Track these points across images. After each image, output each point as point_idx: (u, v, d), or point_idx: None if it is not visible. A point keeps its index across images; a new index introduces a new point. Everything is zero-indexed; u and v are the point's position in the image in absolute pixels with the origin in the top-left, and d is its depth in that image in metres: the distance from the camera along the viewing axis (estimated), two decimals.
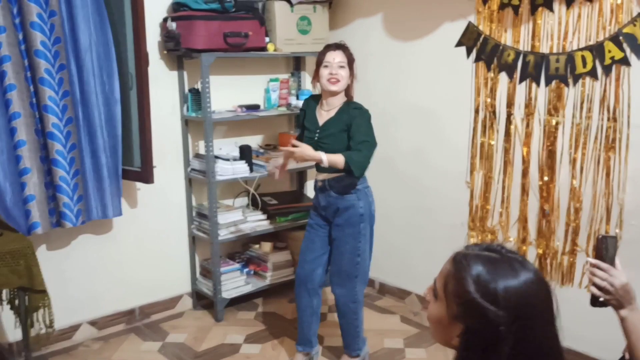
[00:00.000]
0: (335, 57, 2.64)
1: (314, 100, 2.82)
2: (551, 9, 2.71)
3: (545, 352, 1.08)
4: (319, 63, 2.68)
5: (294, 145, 2.57)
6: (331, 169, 2.61)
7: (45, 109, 2.78)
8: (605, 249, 1.41)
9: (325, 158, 2.53)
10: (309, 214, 2.92)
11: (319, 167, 2.72)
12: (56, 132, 2.83)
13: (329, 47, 2.69)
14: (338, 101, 2.70)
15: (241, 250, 3.80)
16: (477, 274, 1.07)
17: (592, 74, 2.62)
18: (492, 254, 1.12)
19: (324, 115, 2.73)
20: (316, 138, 2.70)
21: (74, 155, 2.91)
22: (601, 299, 1.40)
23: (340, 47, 2.69)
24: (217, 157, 3.35)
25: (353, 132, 2.60)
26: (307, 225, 2.89)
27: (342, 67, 2.64)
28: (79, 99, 2.89)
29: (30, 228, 2.80)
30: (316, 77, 2.70)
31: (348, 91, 2.71)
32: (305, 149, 2.56)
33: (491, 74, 3.00)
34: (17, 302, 2.56)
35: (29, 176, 2.77)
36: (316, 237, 2.82)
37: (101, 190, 3.01)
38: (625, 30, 2.49)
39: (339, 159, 2.53)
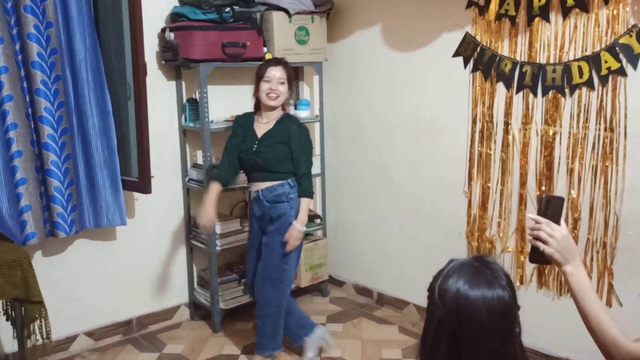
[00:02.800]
0: (276, 73, 2.76)
1: (249, 117, 2.92)
2: (547, 20, 2.73)
3: None
4: (259, 77, 2.78)
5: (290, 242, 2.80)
6: (264, 179, 2.80)
7: (41, 120, 2.80)
8: (546, 208, 1.36)
9: (304, 221, 2.82)
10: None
11: (252, 177, 2.87)
12: (51, 143, 2.85)
13: (270, 62, 2.81)
14: (276, 114, 2.84)
15: (239, 260, 3.79)
16: (450, 270, 1.17)
17: (589, 84, 2.63)
18: (481, 264, 1.18)
19: (262, 127, 2.84)
20: (254, 149, 2.80)
21: (69, 165, 2.92)
22: (542, 250, 1.34)
23: (281, 63, 2.81)
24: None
25: (295, 159, 2.80)
26: (248, 238, 3.02)
27: (282, 83, 2.77)
28: (73, 110, 2.91)
29: (25, 239, 2.80)
30: (256, 91, 2.81)
31: (285, 105, 2.85)
32: (298, 237, 2.80)
33: (488, 84, 3.01)
34: (13, 313, 2.55)
35: (25, 187, 2.78)
36: (251, 248, 2.98)
37: (94, 200, 3.03)
38: (621, 41, 2.51)
39: (306, 204, 2.83)
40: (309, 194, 2.86)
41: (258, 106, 2.91)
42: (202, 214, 2.84)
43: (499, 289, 1.14)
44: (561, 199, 1.39)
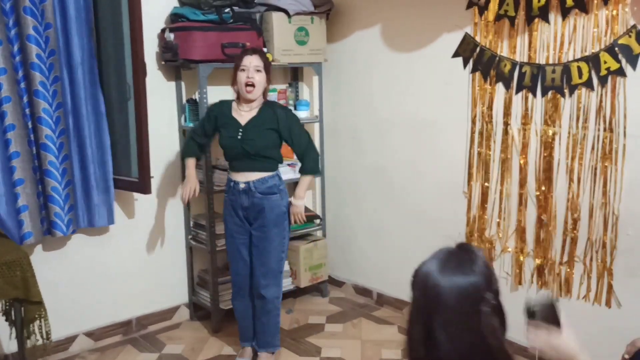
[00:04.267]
0: (252, 61, 2.74)
1: (225, 104, 2.88)
2: (547, 21, 2.73)
3: (455, 351, 1.18)
4: (236, 67, 2.77)
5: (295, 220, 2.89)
6: (253, 168, 2.78)
7: (39, 121, 2.81)
8: (542, 317, 1.33)
9: (302, 196, 2.88)
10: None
11: (236, 166, 2.82)
12: (49, 144, 2.86)
13: (246, 52, 2.79)
14: (257, 102, 2.82)
15: None
16: (431, 255, 1.26)
17: (588, 84, 2.63)
18: (459, 249, 1.25)
19: (244, 115, 2.80)
20: (239, 137, 2.77)
21: (66, 166, 2.95)
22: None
23: (257, 51, 2.81)
24: (214, 167, 3.35)
25: (294, 139, 2.81)
26: (227, 234, 2.96)
27: (258, 70, 2.74)
28: (70, 111, 2.92)
29: (22, 238, 2.82)
30: (234, 82, 2.79)
31: (264, 95, 2.83)
32: (302, 212, 2.87)
33: (488, 85, 3.01)
34: (13, 313, 2.55)
35: (22, 187, 2.80)
36: (241, 245, 2.91)
37: (89, 200, 3.04)
38: (620, 42, 2.51)
39: (308, 181, 2.89)
40: (313, 170, 2.90)
41: (238, 97, 2.88)
42: (187, 188, 2.90)
43: (471, 274, 1.18)
44: (549, 305, 1.34)
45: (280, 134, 2.79)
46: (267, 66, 2.78)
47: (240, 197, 2.82)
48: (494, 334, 1.18)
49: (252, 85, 2.73)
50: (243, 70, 2.73)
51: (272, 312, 2.90)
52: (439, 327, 1.17)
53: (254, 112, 2.80)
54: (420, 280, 1.22)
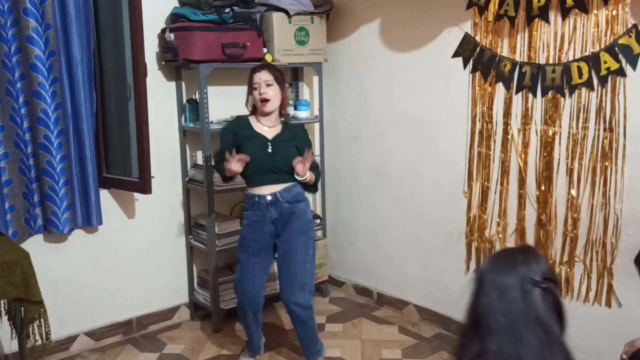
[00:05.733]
0: (262, 77, 2.75)
1: (243, 120, 2.86)
2: (547, 20, 2.73)
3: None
4: (249, 87, 2.79)
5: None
6: (278, 180, 2.76)
7: (38, 121, 2.83)
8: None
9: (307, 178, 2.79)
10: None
11: (259, 180, 2.77)
12: (47, 144, 2.88)
13: (254, 70, 2.80)
14: (276, 116, 2.84)
15: None
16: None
17: (588, 84, 2.63)
18: (517, 251, 1.37)
19: (268, 130, 2.81)
20: (270, 150, 2.76)
21: (64, 166, 2.96)
22: None
23: (265, 66, 2.81)
24: (214, 167, 3.35)
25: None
26: (243, 251, 2.85)
27: (269, 85, 2.74)
28: (70, 111, 2.93)
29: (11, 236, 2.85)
30: (249, 100, 2.82)
31: (283, 107, 2.84)
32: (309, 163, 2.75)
33: (488, 85, 3.01)
34: (13, 313, 2.55)
35: (10, 187, 2.83)
36: (256, 265, 2.84)
37: (87, 199, 3.06)
38: (620, 41, 2.51)
39: (313, 177, 2.81)
40: (315, 186, 2.94)
41: (254, 112, 2.87)
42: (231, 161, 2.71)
43: (513, 274, 1.28)
44: None
45: (299, 150, 2.80)
46: (278, 78, 2.77)
47: (268, 211, 2.77)
48: (544, 315, 1.25)
49: (267, 100, 2.74)
50: (255, 88, 2.75)
51: (307, 322, 2.86)
52: (493, 314, 1.26)
53: (277, 130, 2.82)
54: (475, 275, 1.34)
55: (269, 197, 2.76)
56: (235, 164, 2.67)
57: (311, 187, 2.91)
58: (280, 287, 2.85)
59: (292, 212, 2.78)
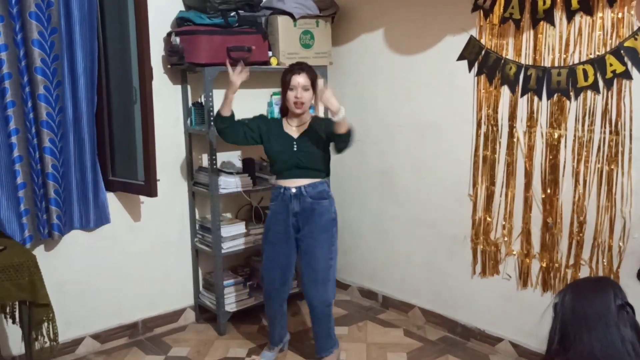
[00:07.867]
0: (300, 80, 2.79)
1: (276, 122, 2.94)
2: (552, 23, 2.73)
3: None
4: (284, 85, 2.81)
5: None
6: (304, 175, 2.82)
7: (42, 125, 2.84)
8: None
9: (343, 113, 2.64)
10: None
11: (286, 175, 2.85)
12: (53, 148, 2.89)
13: (293, 71, 2.81)
14: (306, 116, 2.90)
15: (244, 263, 3.80)
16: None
17: (594, 87, 2.63)
18: (597, 280, 1.60)
19: (295, 130, 2.88)
20: (295, 149, 2.83)
21: (69, 169, 2.98)
22: None
23: (304, 69, 2.82)
24: (220, 170, 3.36)
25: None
26: (267, 242, 2.94)
27: (306, 90, 2.80)
28: (72, 115, 2.95)
29: (24, 242, 2.86)
30: (283, 100, 2.86)
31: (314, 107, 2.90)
32: (331, 94, 2.63)
33: (493, 88, 3.01)
34: (21, 316, 2.56)
35: (25, 191, 2.84)
36: (280, 255, 2.91)
37: (85, 202, 3.08)
38: (626, 44, 2.51)
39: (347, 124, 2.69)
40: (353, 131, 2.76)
41: (285, 112, 2.94)
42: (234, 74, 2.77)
43: (592, 302, 1.45)
44: None
45: (325, 135, 2.82)
46: (314, 82, 2.81)
47: (291, 203, 2.84)
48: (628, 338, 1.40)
49: (303, 103, 2.80)
50: (292, 89, 2.79)
51: (323, 319, 2.92)
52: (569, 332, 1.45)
53: (305, 127, 2.88)
54: (559, 299, 1.51)
55: (293, 190, 2.84)
56: (237, 76, 2.74)
57: (345, 136, 2.70)
58: (303, 283, 2.92)
59: (314, 208, 2.83)
